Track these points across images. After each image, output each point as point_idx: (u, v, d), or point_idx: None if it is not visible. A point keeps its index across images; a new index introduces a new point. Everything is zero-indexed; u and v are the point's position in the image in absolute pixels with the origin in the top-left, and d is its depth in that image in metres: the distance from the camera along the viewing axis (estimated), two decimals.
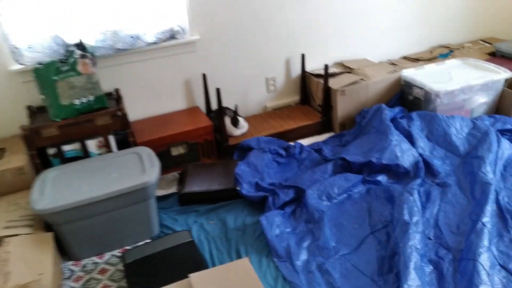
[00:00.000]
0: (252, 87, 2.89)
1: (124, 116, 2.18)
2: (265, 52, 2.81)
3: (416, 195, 1.96)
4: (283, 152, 2.51)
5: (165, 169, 2.43)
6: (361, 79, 2.75)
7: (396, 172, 2.22)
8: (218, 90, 2.45)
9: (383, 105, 2.62)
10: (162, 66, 2.56)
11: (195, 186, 2.22)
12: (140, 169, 1.94)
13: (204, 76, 2.62)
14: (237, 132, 2.65)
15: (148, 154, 2.05)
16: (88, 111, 2.14)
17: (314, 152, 2.50)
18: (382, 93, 2.81)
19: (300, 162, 2.45)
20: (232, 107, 2.71)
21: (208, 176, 2.31)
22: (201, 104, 2.76)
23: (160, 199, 2.24)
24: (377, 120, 2.53)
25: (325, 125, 2.79)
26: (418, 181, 2.10)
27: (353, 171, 2.26)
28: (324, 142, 2.68)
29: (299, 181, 2.16)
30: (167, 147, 2.43)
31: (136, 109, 2.58)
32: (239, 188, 2.17)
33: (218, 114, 2.50)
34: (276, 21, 2.74)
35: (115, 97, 2.36)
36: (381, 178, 2.20)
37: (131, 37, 2.32)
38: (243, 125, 2.68)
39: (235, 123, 2.63)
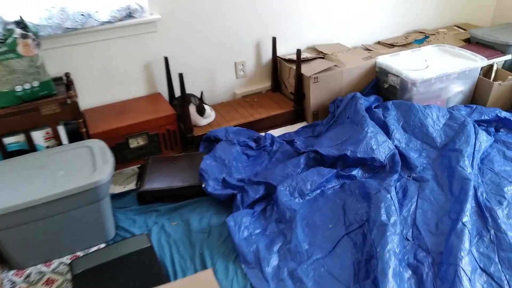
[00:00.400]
0: (219, 72, 2.68)
1: (75, 104, 1.95)
2: (233, 34, 2.60)
3: (393, 193, 1.84)
4: (253, 144, 2.34)
5: (123, 163, 2.23)
6: (335, 66, 2.60)
7: (372, 166, 2.10)
8: (181, 75, 2.24)
9: (358, 94, 2.48)
10: (119, 48, 2.32)
11: (155, 182, 2.02)
12: (91, 165, 1.72)
13: (166, 59, 2.39)
14: (203, 121, 2.45)
15: (101, 148, 1.83)
16: (33, 98, 1.90)
17: (286, 144, 2.35)
18: (356, 80, 2.67)
19: (271, 155, 2.28)
20: (197, 94, 2.50)
21: (170, 171, 2.11)
22: (163, 90, 2.53)
23: (116, 197, 2.03)
24: (352, 110, 2.39)
25: (297, 114, 2.63)
26: (395, 176, 1.98)
27: (326, 165, 2.13)
28: (296, 132, 2.52)
29: (270, 177, 2.01)
30: (125, 138, 2.21)
31: (90, 96, 2.35)
32: (204, 186, 1.99)
33: (182, 102, 2.29)
34: (246, 0, 2.53)
35: (65, 82, 2.12)
36: (356, 172, 2.08)
37: (82, 15, 2.08)
38: (210, 114, 2.48)
39: (200, 111, 2.43)
